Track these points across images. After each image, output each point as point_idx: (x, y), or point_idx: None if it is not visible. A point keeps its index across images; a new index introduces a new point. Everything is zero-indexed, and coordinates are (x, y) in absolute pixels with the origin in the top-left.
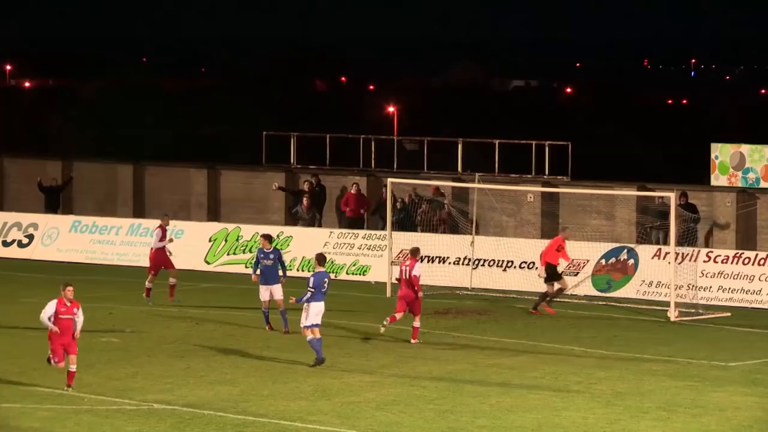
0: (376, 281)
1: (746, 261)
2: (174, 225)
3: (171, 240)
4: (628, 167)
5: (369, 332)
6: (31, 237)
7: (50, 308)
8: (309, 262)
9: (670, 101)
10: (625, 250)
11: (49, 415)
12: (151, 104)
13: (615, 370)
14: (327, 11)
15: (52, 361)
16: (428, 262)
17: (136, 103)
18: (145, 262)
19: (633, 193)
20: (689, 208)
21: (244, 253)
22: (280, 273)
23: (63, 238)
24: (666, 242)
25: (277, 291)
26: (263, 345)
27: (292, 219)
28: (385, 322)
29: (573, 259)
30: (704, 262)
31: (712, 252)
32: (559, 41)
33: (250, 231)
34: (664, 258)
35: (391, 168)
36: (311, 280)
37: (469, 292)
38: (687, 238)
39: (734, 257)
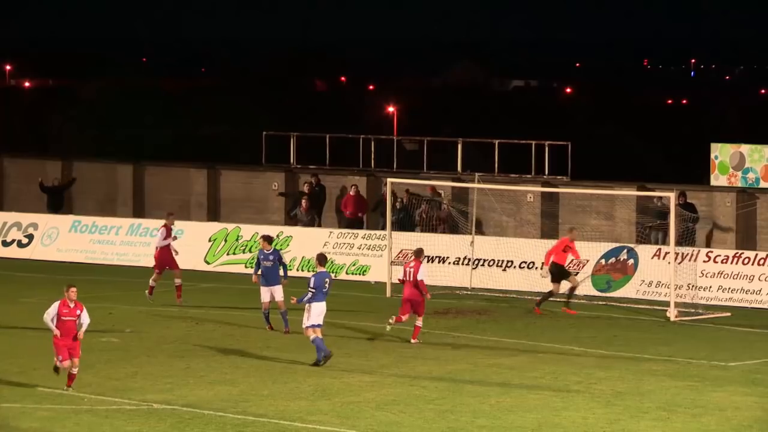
0: (375, 281)
1: (746, 261)
2: (174, 225)
3: (175, 238)
4: (628, 167)
5: (369, 332)
6: (30, 237)
7: (53, 309)
8: (309, 262)
9: (669, 101)
10: (625, 250)
11: (48, 415)
12: (151, 104)
13: (615, 370)
14: (327, 11)
15: (57, 363)
16: (428, 261)
17: (136, 103)
18: (145, 262)
19: (632, 193)
20: (688, 207)
21: (243, 253)
22: (282, 274)
23: (63, 238)
24: (665, 242)
25: (278, 292)
26: (263, 345)
27: (291, 221)
28: (390, 320)
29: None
30: (704, 262)
31: (711, 252)
32: (559, 41)
33: (249, 231)
34: (663, 258)
35: (390, 168)
36: (312, 280)
37: (468, 292)
38: (686, 237)
39: (734, 257)
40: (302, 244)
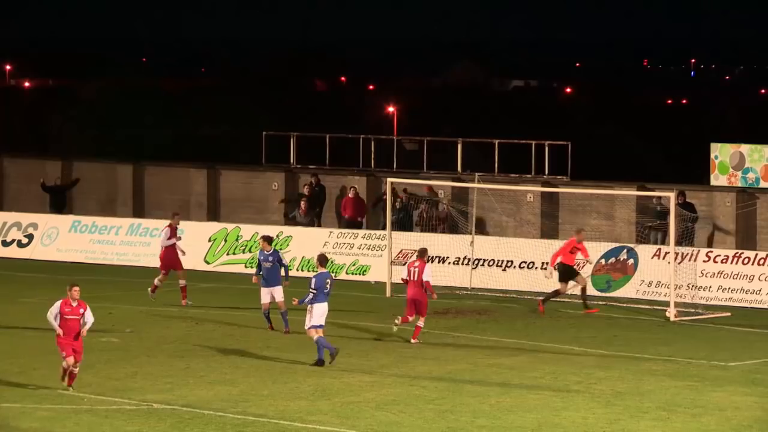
0: (375, 281)
1: (746, 261)
2: (179, 225)
3: (179, 238)
4: (628, 167)
5: (369, 332)
6: (30, 237)
7: (55, 308)
8: (309, 262)
9: (669, 101)
10: (625, 250)
11: (48, 415)
12: (151, 104)
13: (615, 370)
14: (327, 11)
15: (63, 360)
16: (428, 261)
17: (136, 103)
18: (145, 262)
19: (632, 192)
20: (687, 207)
21: (243, 253)
22: (283, 274)
23: (63, 237)
24: (664, 242)
25: (278, 293)
26: (263, 345)
27: (290, 222)
28: (396, 321)
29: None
30: (704, 261)
31: (711, 252)
32: (559, 41)
33: (249, 231)
34: (663, 258)
35: (390, 168)
36: (313, 281)
37: (468, 292)
38: (685, 237)
39: (734, 257)
40: (302, 244)
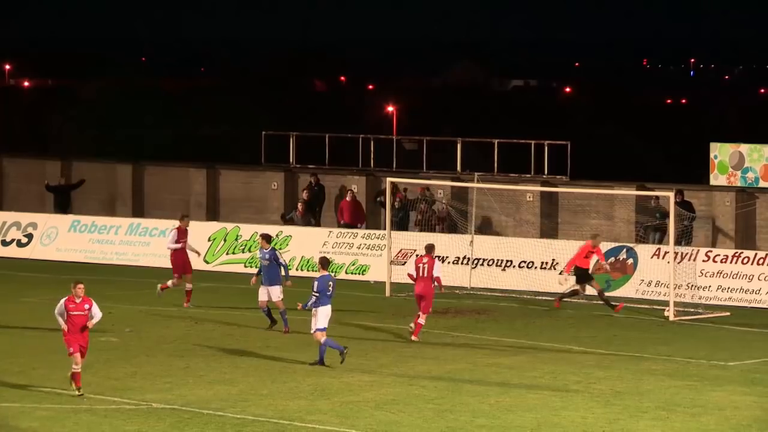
0: (375, 281)
1: (745, 260)
2: (174, 225)
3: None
4: (628, 167)
5: (369, 331)
6: (30, 236)
7: (60, 306)
8: (308, 262)
9: (669, 101)
10: (625, 250)
11: (48, 415)
12: (151, 104)
13: (614, 369)
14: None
15: (72, 360)
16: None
17: (136, 103)
18: (145, 262)
19: (631, 192)
20: (685, 206)
21: (243, 252)
22: (283, 274)
23: (62, 237)
24: (662, 242)
25: (275, 292)
26: (262, 344)
27: (287, 223)
28: (411, 326)
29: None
30: (703, 261)
31: (711, 251)
32: (559, 41)
33: (249, 231)
34: (663, 257)
35: (390, 168)
36: (316, 284)
37: (468, 292)
38: (684, 236)
39: (733, 257)
40: (302, 243)
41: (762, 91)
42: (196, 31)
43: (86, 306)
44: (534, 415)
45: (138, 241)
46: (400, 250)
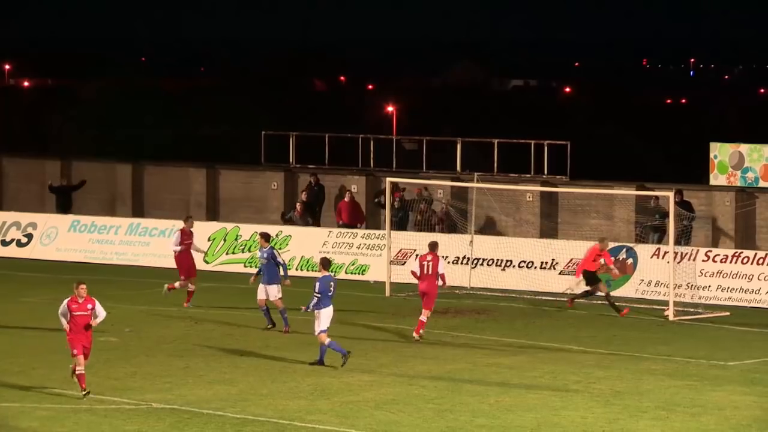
0: (375, 280)
1: (745, 260)
2: (173, 224)
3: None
4: (628, 167)
5: (369, 331)
6: (30, 236)
7: (63, 307)
8: (308, 262)
9: (668, 101)
10: (624, 250)
11: (48, 415)
12: (151, 104)
13: (614, 369)
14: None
15: (73, 361)
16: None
17: (136, 103)
18: (145, 262)
19: (630, 192)
20: (685, 206)
21: (243, 252)
22: (282, 273)
23: (62, 237)
24: (661, 242)
25: (273, 291)
26: (262, 344)
27: (287, 223)
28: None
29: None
30: (703, 261)
31: (711, 251)
32: (559, 41)
33: (248, 230)
34: (663, 257)
35: (390, 168)
36: (317, 285)
37: (468, 292)
38: (683, 236)
39: (733, 256)
40: (301, 243)
41: (762, 91)
42: (196, 31)
43: (89, 306)
44: (534, 414)
45: (138, 241)
46: (400, 250)
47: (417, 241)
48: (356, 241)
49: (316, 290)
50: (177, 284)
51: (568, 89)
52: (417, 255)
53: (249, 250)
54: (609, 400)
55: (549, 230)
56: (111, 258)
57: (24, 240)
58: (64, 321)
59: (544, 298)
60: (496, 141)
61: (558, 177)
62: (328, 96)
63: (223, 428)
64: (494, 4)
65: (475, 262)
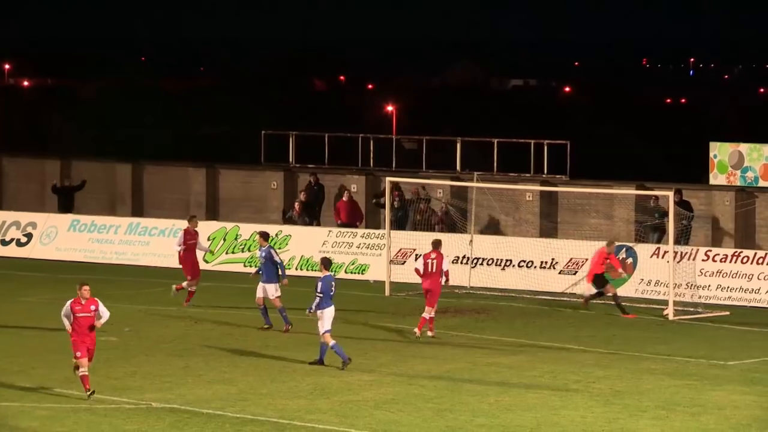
0: (374, 280)
1: (745, 260)
2: (173, 224)
3: (183, 245)
4: (628, 167)
5: (368, 331)
6: (29, 236)
7: (66, 308)
8: (308, 261)
9: (668, 101)
10: (624, 249)
11: (47, 414)
12: (151, 104)
13: (614, 368)
14: (327, 11)
15: (76, 364)
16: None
17: (136, 103)
18: (144, 261)
19: (630, 192)
20: (684, 205)
21: (242, 252)
22: (280, 273)
23: (62, 237)
24: (660, 241)
25: (271, 290)
26: (262, 344)
27: (288, 221)
28: (426, 328)
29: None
30: (703, 260)
31: (710, 251)
32: (559, 41)
33: (248, 230)
34: (662, 257)
35: (390, 167)
36: (319, 285)
37: (467, 291)
38: (682, 236)
39: (733, 256)
40: (301, 242)
41: (762, 90)
42: (196, 31)
43: (92, 307)
44: (533, 414)
45: (137, 241)
46: (400, 249)
47: (417, 240)
48: (356, 240)
49: (318, 290)
50: (184, 284)
51: (568, 89)
52: (417, 254)
53: (249, 250)
54: (609, 400)
55: (549, 230)
56: (110, 257)
57: (24, 239)
58: (66, 323)
59: (543, 297)
60: (495, 140)
61: (558, 176)
62: (328, 96)
63: (223, 428)
64: (494, 4)
65: (475, 261)
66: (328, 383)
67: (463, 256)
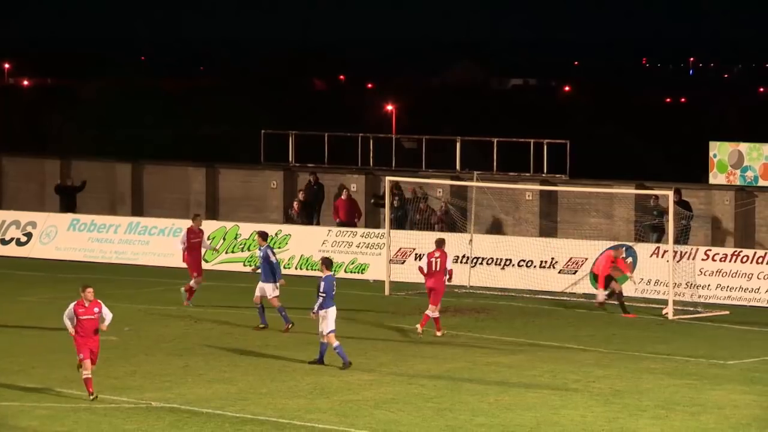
0: (374, 279)
1: (744, 259)
2: (173, 223)
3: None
4: (628, 166)
5: (368, 330)
6: (29, 235)
7: (69, 311)
8: (307, 261)
9: (668, 100)
10: (624, 249)
11: (47, 414)
12: (151, 104)
13: (613, 368)
14: (327, 11)
15: (79, 366)
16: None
17: (136, 103)
18: (144, 261)
19: (629, 191)
20: (683, 205)
21: (242, 251)
22: (276, 274)
23: (61, 236)
24: (659, 240)
25: (267, 290)
26: (261, 343)
27: (289, 220)
28: (436, 329)
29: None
30: (702, 260)
31: (710, 250)
32: (559, 41)
33: (248, 229)
34: (662, 256)
35: (389, 167)
36: (322, 285)
37: (467, 291)
38: (682, 235)
39: (732, 255)
40: (300, 242)
41: (761, 90)
42: (196, 31)
43: (96, 309)
44: (533, 413)
45: (137, 240)
46: (399, 248)
47: (417, 240)
48: (355, 240)
49: (321, 290)
50: (192, 283)
51: (567, 89)
52: (416, 254)
53: (248, 249)
54: (608, 399)
55: (548, 229)
56: (110, 257)
57: (23, 239)
58: (69, 325)
59: (543, 297)
60: (495, 140)
61: (557, 176)
62: (328, 95)
63: (223, 427)
64: (494, 4)
65: (475, 261)
66: (327, 383)
67: (463, 256)
